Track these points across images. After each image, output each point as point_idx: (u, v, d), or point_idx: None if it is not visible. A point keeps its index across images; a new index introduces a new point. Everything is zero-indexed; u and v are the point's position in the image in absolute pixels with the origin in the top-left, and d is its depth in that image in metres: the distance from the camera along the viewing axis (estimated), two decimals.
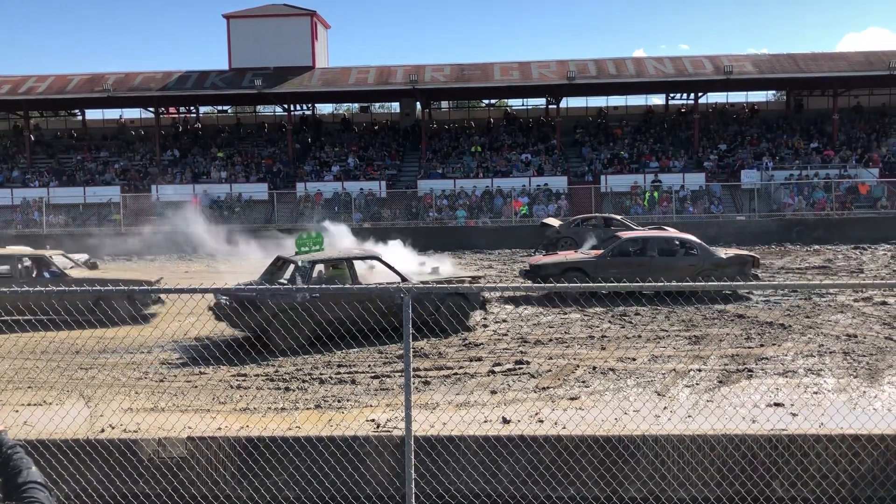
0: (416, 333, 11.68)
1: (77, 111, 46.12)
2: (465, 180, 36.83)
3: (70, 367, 10.13)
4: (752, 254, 16.96)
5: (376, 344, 11.48)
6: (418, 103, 41.68)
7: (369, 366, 10.20)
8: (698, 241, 16.67)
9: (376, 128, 44.17)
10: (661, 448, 5.79)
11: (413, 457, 4.71)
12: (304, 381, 9.33)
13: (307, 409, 8.04)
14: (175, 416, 7.45)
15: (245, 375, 9.67)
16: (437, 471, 5.37)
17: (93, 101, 40.13)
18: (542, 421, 7.19)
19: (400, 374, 9.59)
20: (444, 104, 47.09)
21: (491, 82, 37.58)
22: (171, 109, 45.43)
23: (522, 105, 46.48)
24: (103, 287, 12.55)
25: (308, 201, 36.16)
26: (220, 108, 47.40)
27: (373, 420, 7.42)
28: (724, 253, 16.58)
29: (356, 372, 9.80)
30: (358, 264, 12.61)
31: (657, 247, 16.37)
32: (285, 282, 12.21)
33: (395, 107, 46.06)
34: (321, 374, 9.71)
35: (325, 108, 48.04)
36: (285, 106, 40.62)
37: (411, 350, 4.84)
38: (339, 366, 10.18)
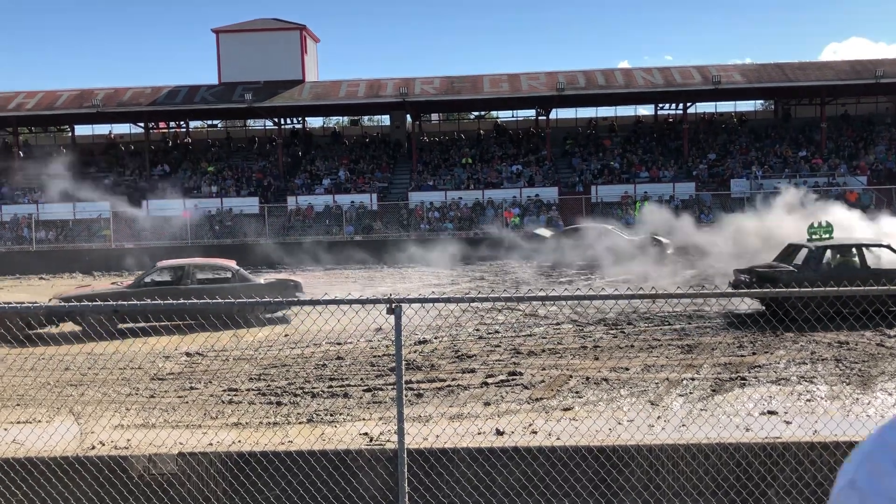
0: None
1: (66, 127, 46.03)
2: (456, 192, 36.90)
3: (59, 384, 10.05)
4: (293, 279, 17.24)
5: (368, 356, 11.47)
6: (408, 116, 41.79)
7: (361, 379, 10.15)
8: (236, 267, 16.49)
9: (367, 141, 44.24)
10: (655, 458, 5.77)
11: (406, 470, 4.67)
12: (296, 395, 9.27)
13: (299, 423, 7.98)
14: (166, 432, 7.39)
15: (236, 390, 9.61)
16: (431, 484, 5.34)
17: (82, 116, 40.10)
18: (535, 432, 7.16)
19: (393, 386, 9.53)
20: (435, 116, 47.25)
21: (481, 94, 37.73)
22: (161, 124, 45.41)
23: (512, 116, 46.67)
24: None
25: (299, 215, 36.13)
26: (210, 122, 47.39)
27: (366, 433, 7.37)
28: (263, 279, 16.72)
29: (348, 385, 9.75)
30: (867, 251, 13.73)
31: (195, 274, 16.02)
32: (794, 266, 14.13)
33: (386, 120, 46.18)
34: (313, 387, 9.65)
35: (315, 122, 48.17)
36: (275, 120, 40.65)
37: (403, 362, 4.81)
38: (331, 379, 10.12)
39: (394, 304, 4.67)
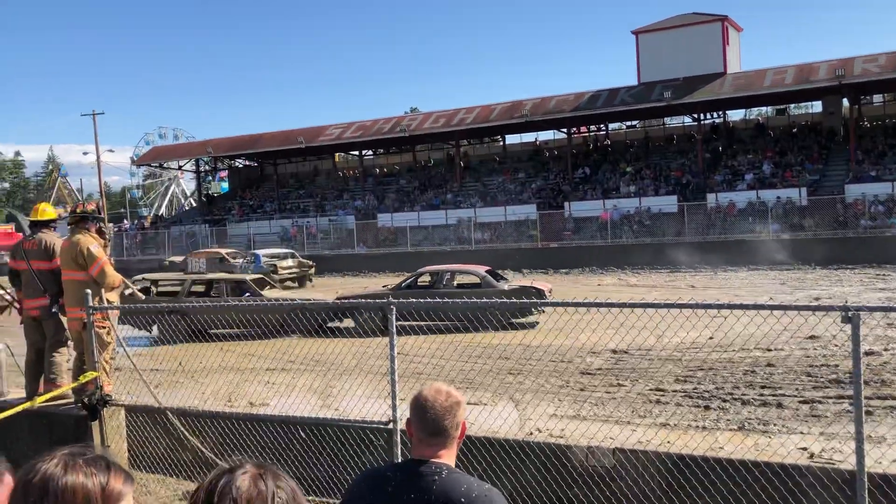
0: None
1: (498, 137, 50.60)
2: None
3: (499, 371, 11.04)
4: (535, 286, 16.92)
5: (803, 365, 10.59)
6: (845, 100, 37.69)
7: (797, 389, 9.41)
8: (484, 272, 17.19)
9: (794, 130, 40.98)
10: None
11: (867, 495, 4.19)
12: (724, 401, 8.93)
13: (730, 429, 7.67)
14: (597, 426, 7.65)
15: (663, 391, 9.59)
16: None
17: (512, 126, 43.65)
18: None
19: (833, 400, 8.71)
20: (877, 98, 41.86)
21: None
22: (582, 128, 47.36)
23: None
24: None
25: (720, 212, 34.86)
26: (628, 123, 48.13)
27: (804, 448, 6.79)
28: (507, 286, 16.99)
29: (782, 395, 9.11)
30: None
31: (449, 278, 17.31)
32: None
33: (817, 106, 42.28)
34: (743, 394, 9.21)
35: (736, 115, 46.00)
36: (695, 115, 39.76)
37: (862, 376, 4.31)
38: (762, 387, 9.56)
39: (851, 313, 4.21)
